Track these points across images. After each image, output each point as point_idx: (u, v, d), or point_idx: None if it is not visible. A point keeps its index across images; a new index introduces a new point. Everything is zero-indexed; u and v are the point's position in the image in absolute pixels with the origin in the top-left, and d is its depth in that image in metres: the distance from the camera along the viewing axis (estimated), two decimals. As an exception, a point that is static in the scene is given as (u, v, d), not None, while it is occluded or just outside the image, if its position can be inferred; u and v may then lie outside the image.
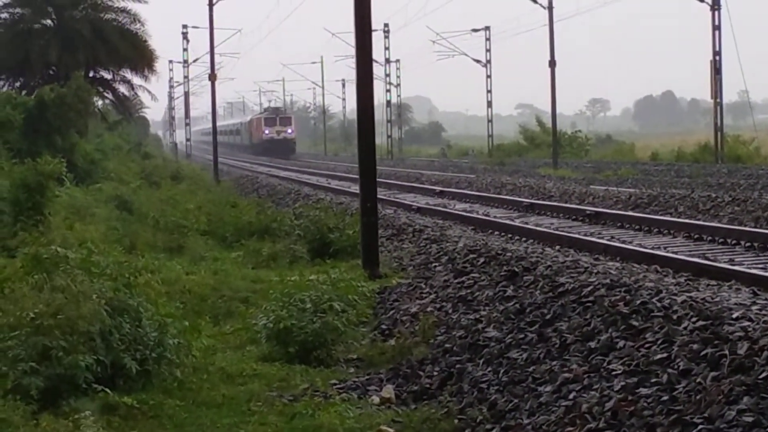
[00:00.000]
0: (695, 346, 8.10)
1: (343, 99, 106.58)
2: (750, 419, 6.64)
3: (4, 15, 44.09)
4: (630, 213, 21.07)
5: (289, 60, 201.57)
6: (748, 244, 15.83)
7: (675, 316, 8.92)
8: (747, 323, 8.21)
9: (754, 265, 13.27)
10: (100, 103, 45.81)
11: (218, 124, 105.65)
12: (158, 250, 18.12)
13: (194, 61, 68.24)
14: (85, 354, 8.89)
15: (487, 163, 54.45)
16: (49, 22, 44.08)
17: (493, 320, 11.07)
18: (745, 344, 7.73)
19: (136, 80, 47.26)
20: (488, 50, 65.79)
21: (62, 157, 23.34)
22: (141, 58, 45.50)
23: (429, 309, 12.57)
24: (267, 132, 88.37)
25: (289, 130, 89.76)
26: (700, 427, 6.81)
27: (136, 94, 48.88)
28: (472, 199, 28.23)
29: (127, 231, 19.94)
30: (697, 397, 7.25)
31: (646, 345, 8.62)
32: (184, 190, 33.20)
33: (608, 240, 16.89)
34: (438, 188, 32.89)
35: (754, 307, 9.03)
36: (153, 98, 55.04)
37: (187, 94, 75.15)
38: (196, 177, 43.41)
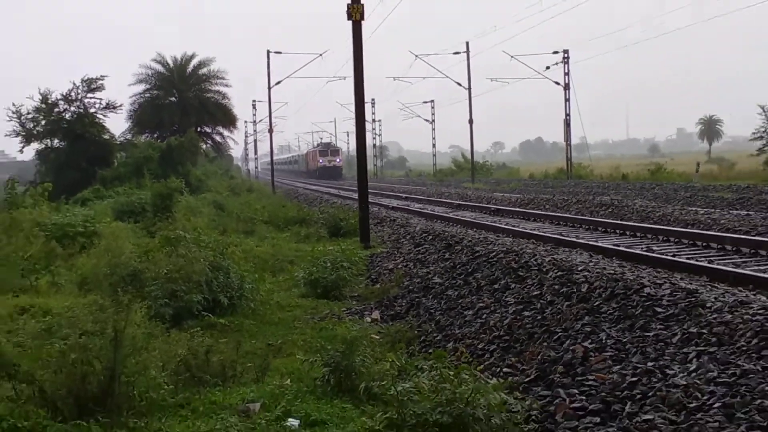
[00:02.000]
0: (556, 287, 8.13)
1: (348, 143, 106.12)
2: (589, 329, 6.66)
3: (148, 95, 44.29)
4: (517, 209, 21.07)
5: (316, 119, 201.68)
6: (587, 227, 15.89)
7: (544, 269, 8.95)
8: (587, 273, 8.24)
9: (591, 240, 13.30)
10: (204, 146, 45.61)
11: (281, 156, 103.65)
12: (239, 233, 18.03)
13: (259, 121, 67.57)
14: (197, 294, 8.92)
15: (433, 180, 54.32)
16: (173, 98, 44.14)
17: (437, 272, 11.08)
18: (586, 285, 7.76)
19: (225, 132, 47.64)
20: (433, 114, 65.52)
21: (182, 179, 23.46)
22: (228, 119, 45.88)
23: (399, 266, 12.56)
24: (321, 161, 74.04)
25: (338, 160, 75.38)
26: (559, 334, 6.84)
27: (225, 140, 48.85)
28: (425, 201, 28.15)
29: (220, 222, 19.84)
30: (558, 317, 7.28)
31: (528, 287, 8.64)
32: (254, 197, 32.84)
33: (504, 225, 16.89)
34: (404, 195, 32.78)
35: (590, 264, 9.08)
36: (235, 143, 55.53)
37: (255, 141, 74.96)
38: (261, 190, 42.89)
